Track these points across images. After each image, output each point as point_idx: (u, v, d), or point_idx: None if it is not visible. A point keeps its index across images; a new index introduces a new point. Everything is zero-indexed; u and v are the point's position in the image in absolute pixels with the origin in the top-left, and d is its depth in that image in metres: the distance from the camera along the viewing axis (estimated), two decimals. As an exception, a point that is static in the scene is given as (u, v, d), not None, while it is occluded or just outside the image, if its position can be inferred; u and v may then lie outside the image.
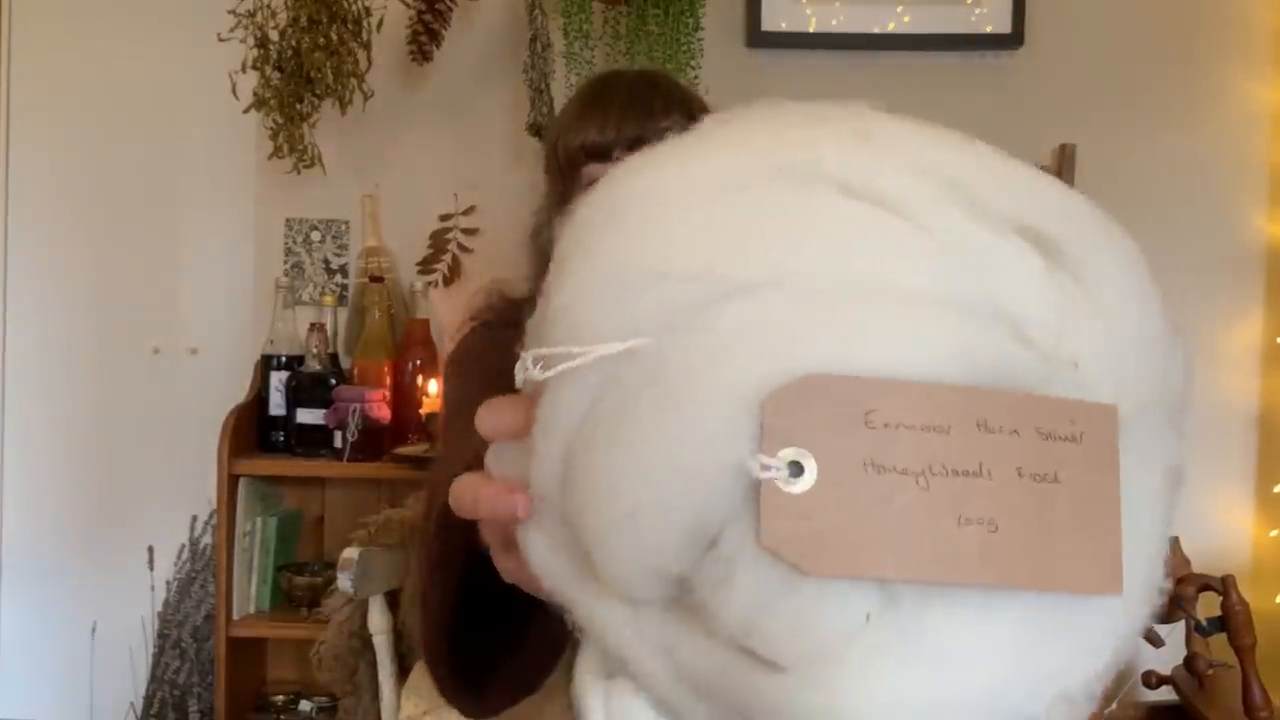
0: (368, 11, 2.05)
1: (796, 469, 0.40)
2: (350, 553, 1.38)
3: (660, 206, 0.45)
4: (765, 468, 0.40)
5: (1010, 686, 0.42)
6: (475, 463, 0.69)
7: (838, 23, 2.16)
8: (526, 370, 0.47)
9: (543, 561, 0.47)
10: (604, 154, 1.08)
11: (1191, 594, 1.81)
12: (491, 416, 0.50)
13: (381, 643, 1.44)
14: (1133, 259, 0.49)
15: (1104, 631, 0.44)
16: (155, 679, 2.22)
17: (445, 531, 0.76)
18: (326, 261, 2.27)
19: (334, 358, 2.15)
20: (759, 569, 0.40)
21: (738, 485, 0.40)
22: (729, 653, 0.42)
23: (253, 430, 2.11)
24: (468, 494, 0.50)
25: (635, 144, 1.09)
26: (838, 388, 0.41)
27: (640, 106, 1.09)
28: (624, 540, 0.42)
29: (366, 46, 2.05)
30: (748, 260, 0.42)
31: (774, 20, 2.16)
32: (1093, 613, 0.43)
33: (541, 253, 1.17)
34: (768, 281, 0.42)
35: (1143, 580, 0.46)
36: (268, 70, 2.01)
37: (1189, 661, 1.82)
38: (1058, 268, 0.45)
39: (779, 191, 0.44)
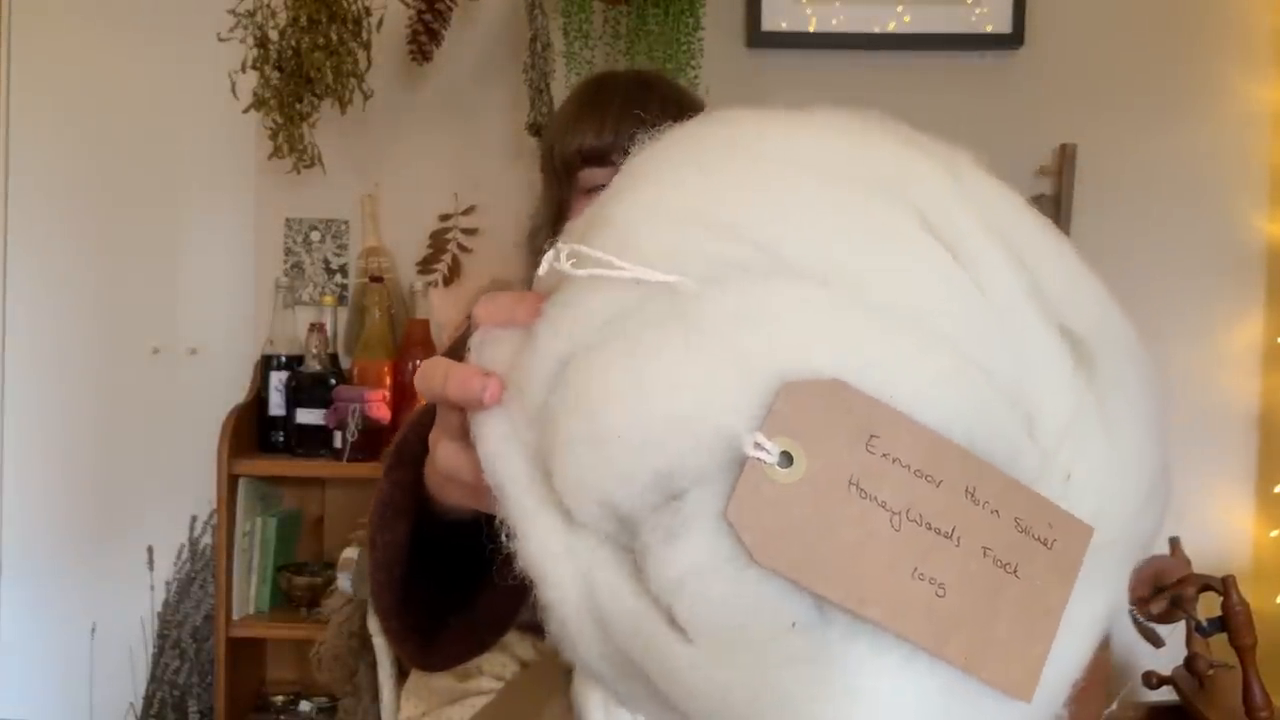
0: (367, 11, 2.05)
1: (786, 460, 0.40)
2: (350, 553, 1.38)
3: (747, 161, 0.45)
4: (759, 447, 0.40)
5: None
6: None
7: (838, 23, 2.16)
8: (557, 262, 0.46)
9: (495, 452, 0.46)
10: (601, 158, 1.08)
11: (1192, 594, 1.81)
12: (490, 302, 0.49)
13: (381, 643, 1.44)
14: (1153, 389, 0.49)
15: None
16: (155, 679, 2.22)
17: (399, 468, 0.74)
18: (326, 261, 2.27)
19: (334, 358, 2.15)
20: (712, 537, 0.40)
21: (722, 452, 0.40)
22: (646, 605, 0.42)
23: (252, 430, 2.11)
24: (438, 372, 0.48)
25: (632, 146, 1.09)
26: (854, 402, 0.41)
27: (637, 108, 1.09)
28: (595, 460, 0.42)
29: (366, 46, 2.05)
30: (810, 248, 0.42)
31: (774, 20, 2.15)
32: (996, 710, 0.44)
33: (539, 254, 1.17)
34: (820, 275, 0.42)
35: (1047, 700, 0.45)
36: (267, 70, 2.01)
37: (1189, 662, 1.82)
38: (1084, 378, 0.46)
39: (860, 197, 0.44)
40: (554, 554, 0.44)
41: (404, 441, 0.72)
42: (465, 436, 0.48)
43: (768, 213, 0.43)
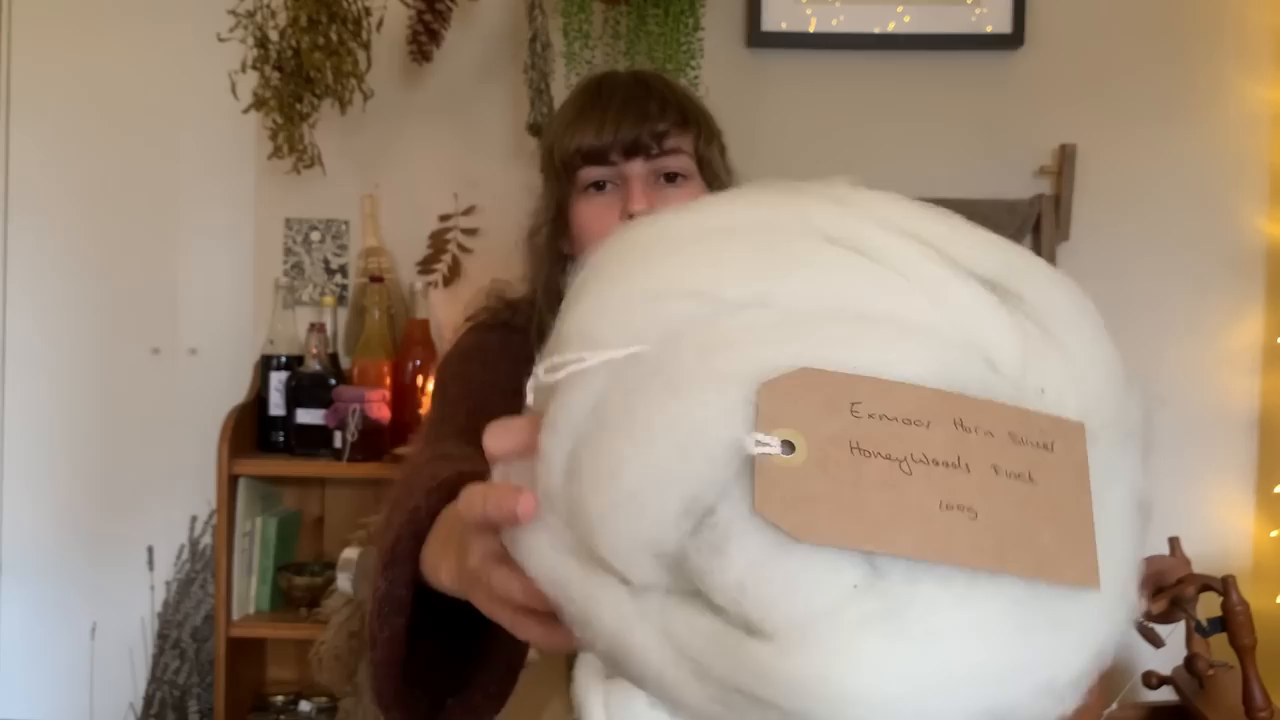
0: (367, 11, 2.05)
1: (788, 447, 0.44)
2: (350, 553, 1.39)
3: (664, 245, 0.52)
4: (760, 443, 0.44)
5: (992, 669, 0.44)
6: (441, 488, 0.70)
7: (838, 23, 2.16)
8: (537, 379, 0.51)
9: (545, 561, 0.49)
10: (601, 157, 1.08)
11: (1192, 594, 1.81)
12: (501, 435, 0.52)
13: (381, 643, 1.44)
14: (1080, 301, 0.56)
15: (1083, 630, 0.47)
16: (155, 679, 2.22)
17: (394, 566, 0.75)
18: (326, 261, 2.27)
19: (334, 358, 2.15)
20: (752, 535, 0.44)
21: (732, 461, 0.44)
22: (722, 625, 0.45)
23: (252, 430, 2.11)
24: (476, 496, 0.52)
25: (632, 147, 1.09)
26: (826, 381, 0.45)
27: (636, 109, 1.09)
28: (627, 517, 0.45)
29: (366, 46, 2.05)
30: (740, 284, 0.48)
31: (774, 20, 2.15)
32: (1073, 611, 0.46)
33: (538, 253, 1.17)
34: (758, 302, 0.48)
35: (1118, 589, 0.48)
36: (267, 70, 2.01)
37: (1189, 662, 1.82)
38: (1018, 312, 0.52)
39: (769, 237, 0.51)
40: (629, 623, 0.47)
41: (397, 540, 0.74)
42: (509, 559, 0.52)
43: (700, 270, 0.50)
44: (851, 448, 0.44)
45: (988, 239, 0.54)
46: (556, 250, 1.15)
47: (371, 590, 0.77)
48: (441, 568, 0.68)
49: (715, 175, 1.14)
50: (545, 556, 0.49)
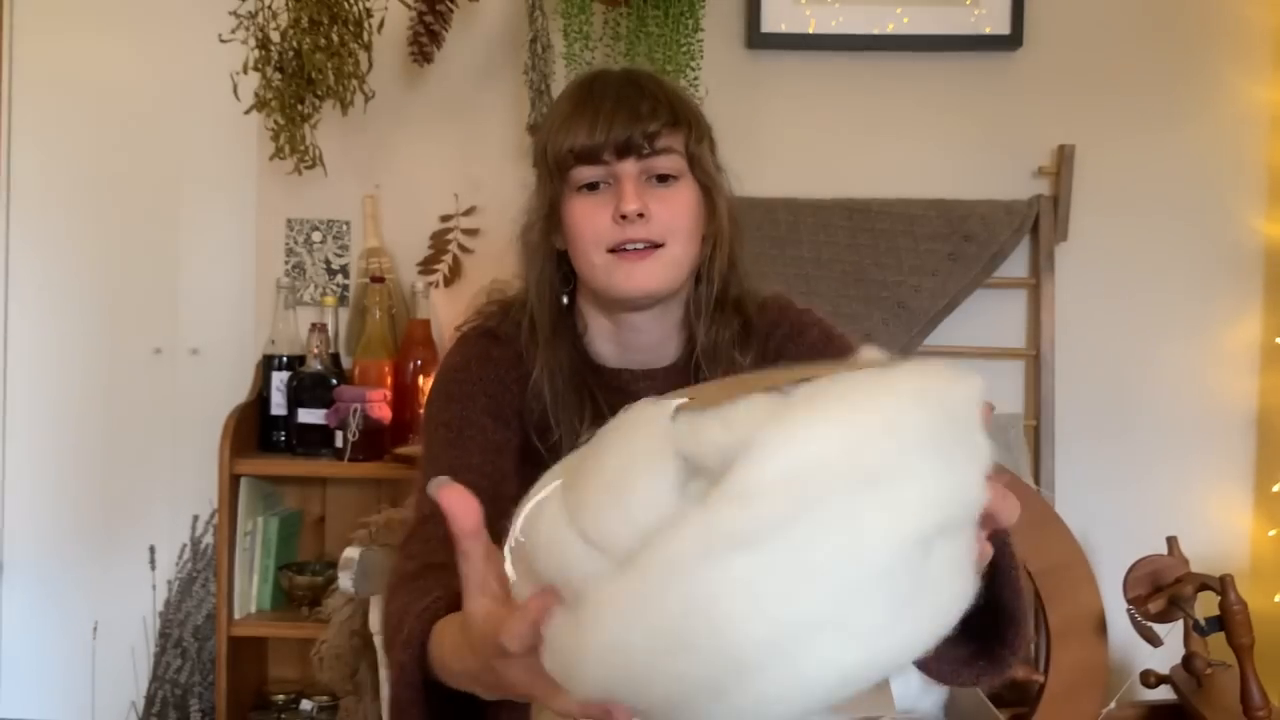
0: (369, 13, 2.05)
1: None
2: (351, 552, 1.39)
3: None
4: None
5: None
6: (422, 638, 0.84)
7: (837, 24, 2.16)
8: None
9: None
10: (593, 157, 1.09)
11: (1190, 593, 1.82)
12: (514, 639, 0.60)
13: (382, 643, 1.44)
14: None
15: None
16: (156, 678, 2.22)
17: (406, 651, 0.84)
18: (327, 262, 2.27)
19: (335, 358, 2.16)
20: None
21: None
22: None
23: (254, 430, 2.11)
24: (513, 639, 0.59)
25: (624, 147, 1.10)
26: None
27: (628, 108, 1.10)
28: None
29: (367, 47, 2.06)
30: (599, 532, 0.55)
31: (773, 21, 2.16)
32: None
33: (531, 249, 1.18)
34: (618, 554, 0.53)
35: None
36: (269, 71, 2.02)
37: (1187, 661, 1.83)
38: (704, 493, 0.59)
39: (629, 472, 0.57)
40: None
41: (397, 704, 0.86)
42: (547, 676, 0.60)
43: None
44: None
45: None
46: (550, 247, 1.16)
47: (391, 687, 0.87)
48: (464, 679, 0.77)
49: (706, 173, 1.15)
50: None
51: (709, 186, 1.14)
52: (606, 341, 1.18)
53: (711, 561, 0.49)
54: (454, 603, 0.76)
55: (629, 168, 1.09)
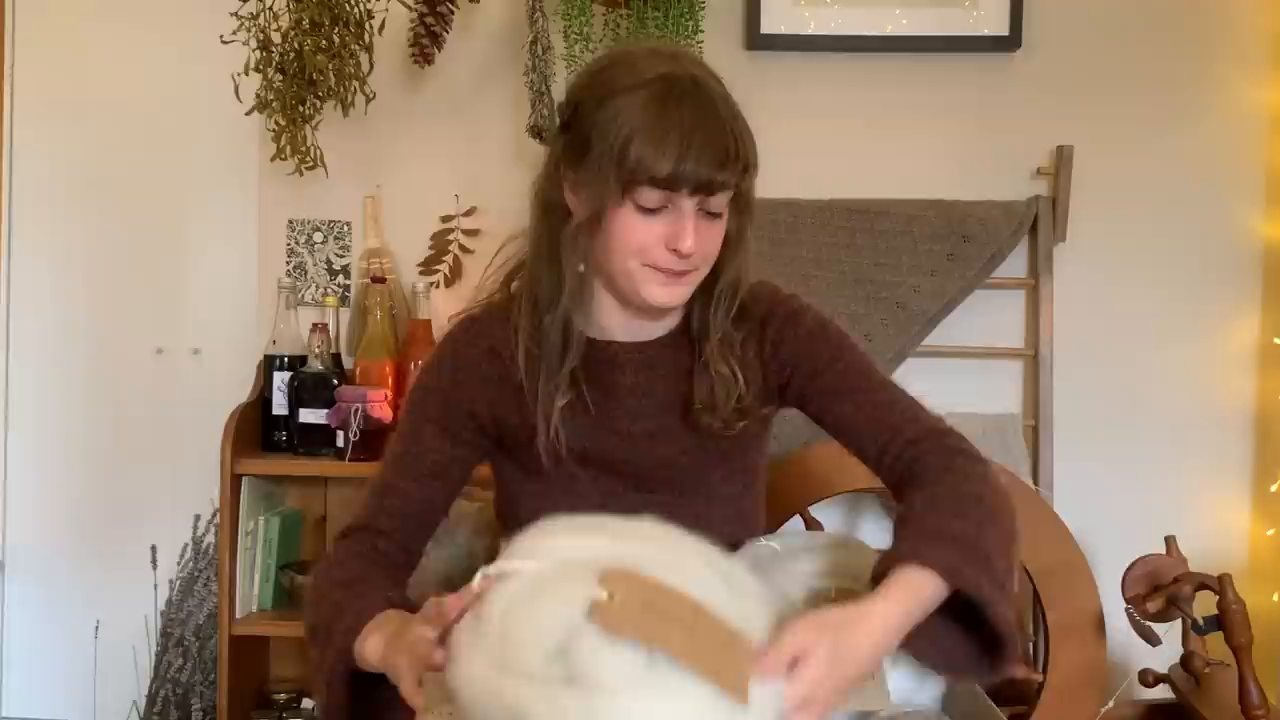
0: (369, 14, 2.06)
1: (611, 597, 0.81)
2: (353, 551, 1.39)
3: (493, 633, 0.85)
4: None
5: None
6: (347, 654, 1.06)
7: (836, 25, 2.17)
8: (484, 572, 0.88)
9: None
10: (671, 185, 1.09)
11: (1188, 593, 1.82)
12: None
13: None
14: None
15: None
16: (158, 677, 2.23)
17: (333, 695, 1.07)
18: (329, 262, 2.28)
19: (336, 358, 2.17)
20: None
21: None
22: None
23: (255, 430, 2.12)
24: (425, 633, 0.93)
25: (701, 186, 1.11)
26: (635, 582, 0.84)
27: (714, 149, 1.09)
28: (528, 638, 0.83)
29: (368, 49, 2.06)
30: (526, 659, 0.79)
31: (773, 23, 2.17)
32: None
33: (544, 207, 1.19)
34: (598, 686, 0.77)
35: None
36: (270, 72, 2.02)
37: (1186, 660, 1.83)
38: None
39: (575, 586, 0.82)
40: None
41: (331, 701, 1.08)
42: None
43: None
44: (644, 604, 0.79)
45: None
46: (562, 206, 1.17)
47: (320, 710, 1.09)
48: (368, 645, 1.03)
49: (747, 203, 1.17)
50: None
51: (745, 214, 1.18)
52: (611, 316, 1.22)
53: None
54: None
55: (692, 204, 1.10)
